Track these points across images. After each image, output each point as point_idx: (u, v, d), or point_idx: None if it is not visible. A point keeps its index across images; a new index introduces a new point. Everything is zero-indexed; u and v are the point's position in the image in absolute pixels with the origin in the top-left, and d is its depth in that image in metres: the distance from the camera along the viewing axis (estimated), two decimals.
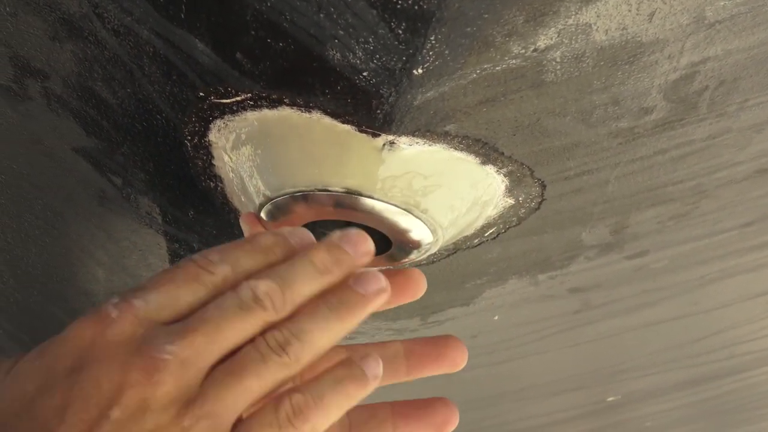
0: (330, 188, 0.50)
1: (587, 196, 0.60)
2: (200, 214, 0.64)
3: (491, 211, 0.58)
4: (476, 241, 0.63)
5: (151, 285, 0.43)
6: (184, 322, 0.42)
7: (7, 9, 0.48)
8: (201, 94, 0.50)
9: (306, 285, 0.44)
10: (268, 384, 0.43)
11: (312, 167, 0.50)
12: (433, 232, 0.54)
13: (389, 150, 0.48)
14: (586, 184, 0.59)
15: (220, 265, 0.45)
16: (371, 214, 0.51)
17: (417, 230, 0.53)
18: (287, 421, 0.42)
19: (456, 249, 0.64)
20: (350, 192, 0.50)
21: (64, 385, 0.39)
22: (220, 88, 0.49)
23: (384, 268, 0.59)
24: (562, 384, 1.08)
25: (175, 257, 0.70)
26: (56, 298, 0.75)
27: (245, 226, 0.55)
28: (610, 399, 1.20)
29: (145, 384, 0.39)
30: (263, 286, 0.44)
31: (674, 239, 0.70)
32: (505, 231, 0.62)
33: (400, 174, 0.49)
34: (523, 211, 0.59)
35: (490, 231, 0.62)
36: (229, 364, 0.42)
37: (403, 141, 0.47)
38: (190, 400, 0.41)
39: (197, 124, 0.53)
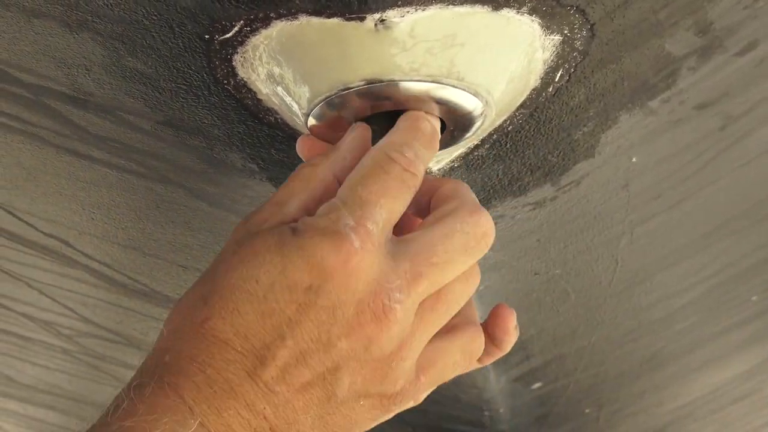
0: (350, 84, 0.52)
1: (641, 4, 0.57)
2: (282, 150, 0.67)
3: (543, 54, 0.57)
4: (550, 90, 0.62)
5: (369, 196, 0.48)
6: (412, 258, 0.48)
7: None
8: (206, 36, 0.53)
9: None
10: None
11: (325, 70, 0.52)
12: (476, 95, 0.54)
13: (385, 28, 0.49)
14: None
15: (418, 164, 0.51)
16: (403, 96, 0.53)
17: (458, 98, 0.54)
18: None
19: (534, 105, 0.63)
20: (371, 82, 0.52)
21: (300, 299, 0.46)
22: (217, 25, 0.52)
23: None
24: (763, 207, 1.02)
25: None
26: None
27: (303, 152, 0.58)
28: None
29: (373, 326, 0.46)
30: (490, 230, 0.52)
31: None
32: (574, 70, 0.60)
33: (410, 47, 0.50)
34: (578, 43, 0.58)
35: (558, 74, 0.60)
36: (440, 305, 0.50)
37: (391, 15, 0.48)
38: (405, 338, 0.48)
39: (222, 67, 0.57)
